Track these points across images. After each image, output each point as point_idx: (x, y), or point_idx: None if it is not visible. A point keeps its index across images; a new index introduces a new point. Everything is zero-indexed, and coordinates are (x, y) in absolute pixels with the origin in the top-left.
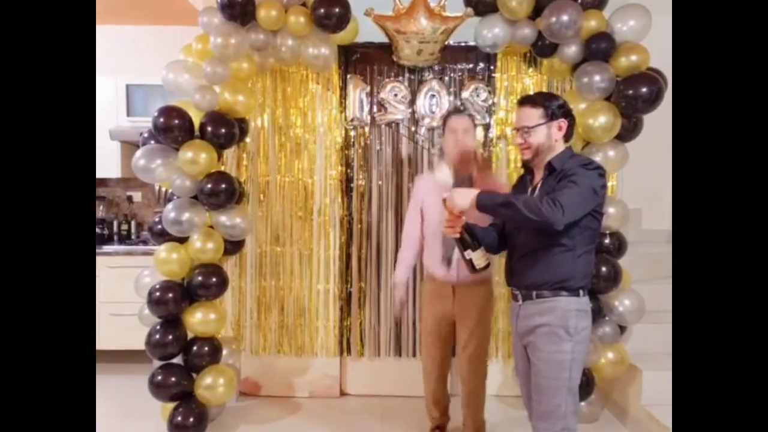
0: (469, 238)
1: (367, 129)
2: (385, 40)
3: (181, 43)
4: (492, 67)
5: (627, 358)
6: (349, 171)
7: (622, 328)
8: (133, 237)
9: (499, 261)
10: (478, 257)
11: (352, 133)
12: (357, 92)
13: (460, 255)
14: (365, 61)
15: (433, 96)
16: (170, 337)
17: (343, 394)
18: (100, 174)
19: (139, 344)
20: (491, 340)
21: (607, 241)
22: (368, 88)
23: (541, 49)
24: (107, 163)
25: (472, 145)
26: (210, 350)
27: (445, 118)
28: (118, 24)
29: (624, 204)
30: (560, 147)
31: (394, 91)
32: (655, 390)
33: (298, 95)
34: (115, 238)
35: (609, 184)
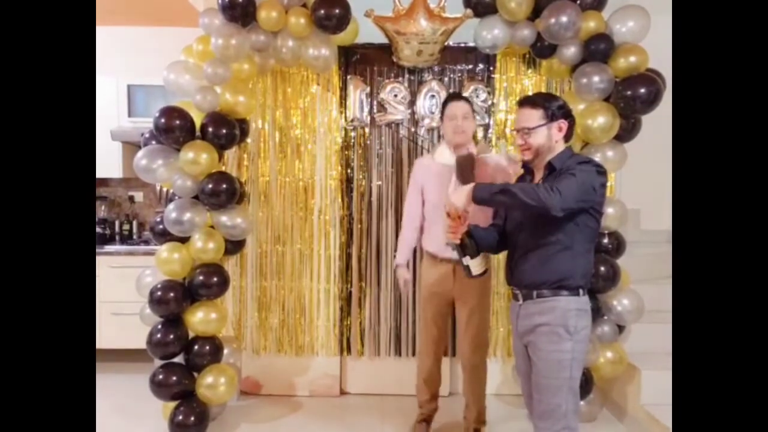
0: (470, 245)
1: (367, 129)
2: (385, 41)
3: (181, 44)
4: (491, 68)
5: (625, 358)
6: (349, 171)
7: (621, 328)
8: (134, 237)
9: (499, 261)
10: (475, 264)
11: (352, 134)
12: (357, 93)
13: (458, 259)
14: (365, 62)
15: (433, 97)
16: (171, 336)
17: (343, 393)
18: (101, 174)
19: (141, 344)
20: (491, 340)
21: (605, 240)
22: (368, 89)
23: (541, 50)
24: (109, 163)
25: (472, 131)
26: (211, 349)
27: (444, 104)
28: (119, 25)
29: (623, 204)
30: (560, 147)
31: (394, 92)
32: (653, 389)
33: (299, 96)
34: (117, 237)
35: (608, 184)
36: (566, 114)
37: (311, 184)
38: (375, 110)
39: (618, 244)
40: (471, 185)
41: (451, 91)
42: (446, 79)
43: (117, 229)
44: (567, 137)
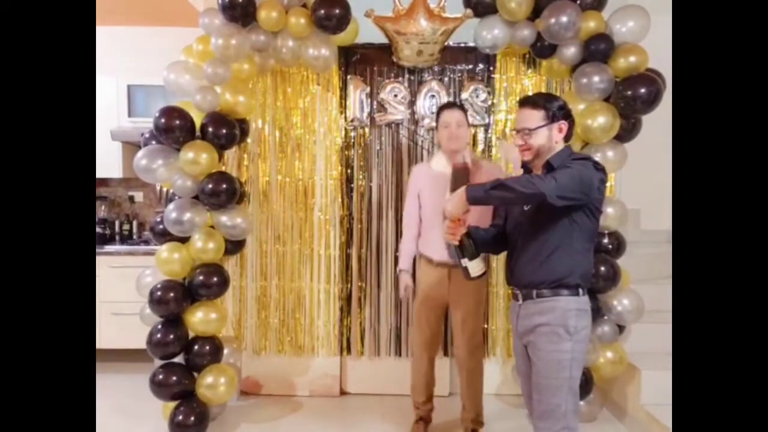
0: (468, 246)
1: (367, 129)
2: (385, 41)
3: (181, 43)
4: (491, 68)
5: (625, 358)
6: (349, 171)
7: (621, 328)
8: (134, 237)
9: (499, 261)
10: (474, 266)
11: (352, 134)
12: (357, 93)
13: (457, 261)
14: (365, 62)
15: (433, 97)
16: (171, 336)
17: (343, 393)
18: (101, 174)
19: (141, 343)
20: (490, 340)
21: (605, 240)
22: (368, 89)
23: (541, 50)
24: (109, 163)
25: (466, 138)
26: (211, 349)
27: (438, 112)
28: (119, 25)
29: (623, 204)
30: (559, 148)
31: (394, 92)
32: (654, 389)
33: (299, 96)
34: (117, 237)
35: (608, 184)
36: (566, 115)
37: (311, 184)
38: (375, 110)
39: (618, 244)
40: (463, 188)
41: (451, 91)
42: (446, 79)
43: (117, 229)
44: (567, 138)
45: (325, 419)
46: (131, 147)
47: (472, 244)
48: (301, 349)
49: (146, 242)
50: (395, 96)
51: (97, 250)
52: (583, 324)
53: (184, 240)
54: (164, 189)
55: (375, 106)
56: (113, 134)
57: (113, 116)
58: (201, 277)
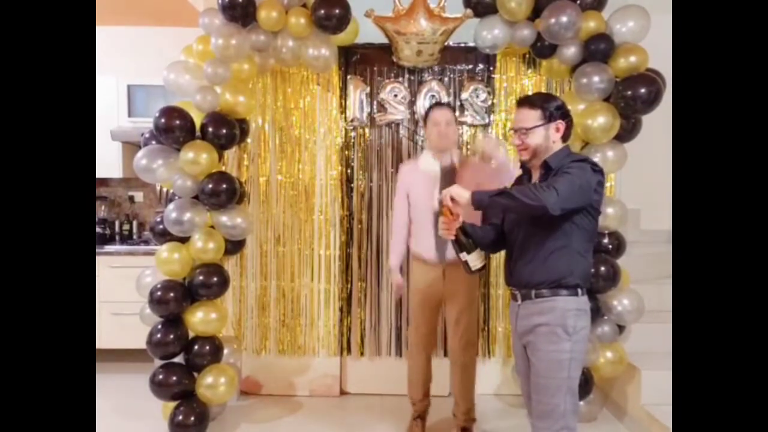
0: (465, 240)
1: (367, 129)
2: (385, 41)
3: (181, 43)
4: (491, 68)
5: (625, 358)
6: (349, 171)
7: (621, 328)
8: (134, 237)
9: (498, 261)
10: (474, 259)
11: (352, 134)
12: (357, 93)
13: (456, 256)
14: (365, 62)
15: (433, 97)
16: (171, 336)
17: (343, 393)
18: (101, 174)
19: (141, 343)
20: (490, 340)
21: (605, 240)
22: (368, 89)
23: (541, 50)
24: (109, 163)
25: (454, 137)
26: (211, 349)
27: (427, 111)
28: (119, 25)
29: (623, 204)
30: (557, 147)
31: (393, 92)
32: (654, 389)
33: (299, 96)
34: (117, 238)
35: (608, 184)
36: (564, 114)
37: (311, 184)
38: (375, 110)
39: (618, 244)
40: (470, 191)
41: (451, 91)
42: (446, 79)
43: (117, 229)
44: (565, 137)
45: (325, 419)
46: (131, 147)
47: (468, 237)
48: (301, 349)
49: (146, 242)
50: (395, 96)
51: (97, 250)
52: (582, 324)
53: (184, 240)
54: (164, 189)
55: (375, 106)
56: (113, 134)
57: (113, 116)
58: (201, 277)
